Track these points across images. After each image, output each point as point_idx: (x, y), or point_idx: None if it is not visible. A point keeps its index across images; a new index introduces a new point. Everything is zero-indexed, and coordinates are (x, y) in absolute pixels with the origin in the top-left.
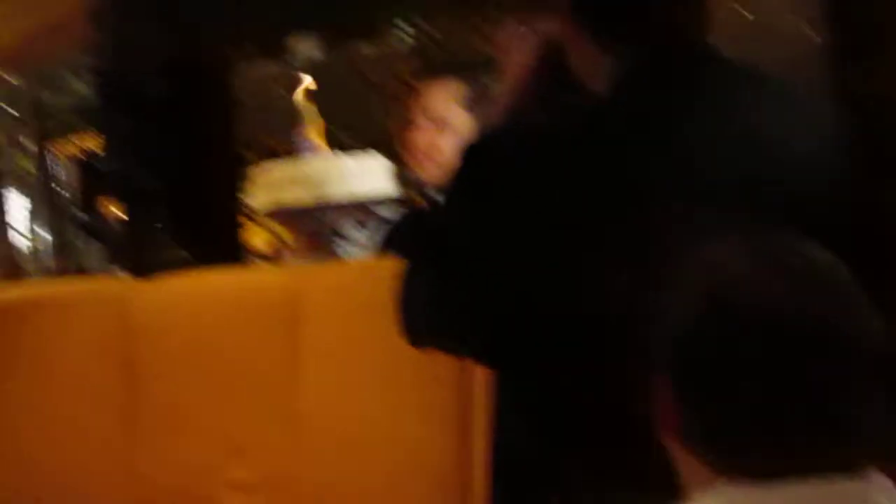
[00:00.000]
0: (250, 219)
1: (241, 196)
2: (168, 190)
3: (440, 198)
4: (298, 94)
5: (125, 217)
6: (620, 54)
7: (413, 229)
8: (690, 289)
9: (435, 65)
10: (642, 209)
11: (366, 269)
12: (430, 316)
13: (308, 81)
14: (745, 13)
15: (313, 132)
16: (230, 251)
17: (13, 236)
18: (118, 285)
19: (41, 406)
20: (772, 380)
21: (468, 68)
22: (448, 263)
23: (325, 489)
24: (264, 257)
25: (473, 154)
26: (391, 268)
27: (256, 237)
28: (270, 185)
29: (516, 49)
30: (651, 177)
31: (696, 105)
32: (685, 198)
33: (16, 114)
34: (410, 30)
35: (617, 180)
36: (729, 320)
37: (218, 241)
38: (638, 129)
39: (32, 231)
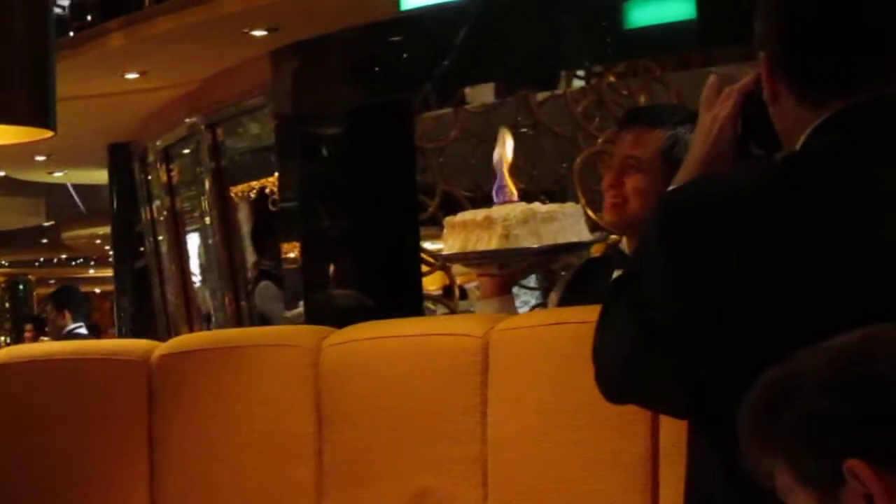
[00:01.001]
0: (429, 265)
1: (421, 242)
2: (347, 234)
3: (636, 252)
4: (503, 133)
5: (301, 260)
6: (823, 110)
7: (614, 284)
8: None
9: (612, 112)
10: (850, 261)
11: (555, 319)
12: (631, 373)
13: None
14: None
15: (509, 180)
16: (409, 296)
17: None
18: (308, 333)
19: (235, 450)
20: None
21: (663, 118)
22: (650, 322)
23: None
24: (439, 301)
25: (675, 209)
26: (580, 318)
27: (431, 281)
28: (460, 230)
29: (720, 103)
30: (860, 225)
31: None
32: None
33: (195, 156)
34: (585, 76)
35: (819, 229)
36: None
37: (396, 286)
38: (839, 178)
39: (208, 273)
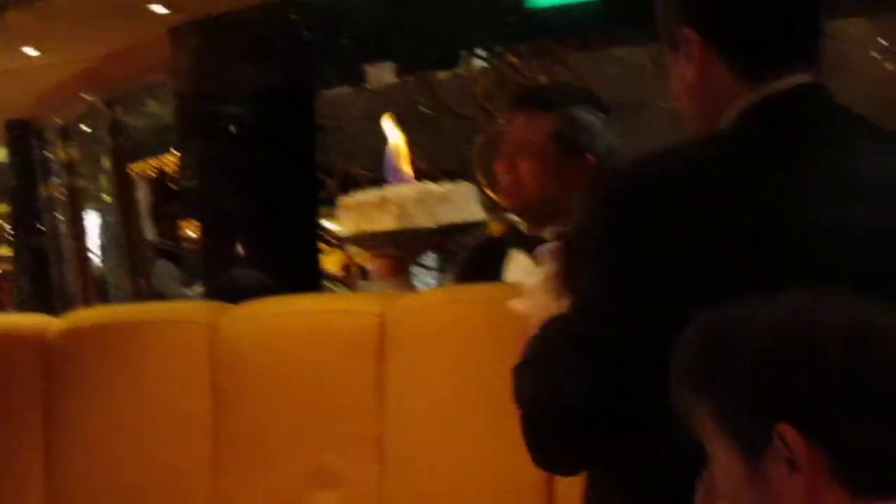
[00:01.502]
0: (328, 243)
1: (320, 221)
2: (247, 214)
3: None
4: (387, 120)
5: (202, 240)
6: (761, 87)
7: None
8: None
9: (513, 92)
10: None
11: (453, 297)
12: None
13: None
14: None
15: (401, 159)
16: (308, 275)
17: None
18: (206, 309)
19: (132, 426)
20: None
21: (553, 100)
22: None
23: None
24: (339, 281)
25: (620, 193)
26: (478, 296)
27: (331, 262)
28: (355, 211)
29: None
30: (793, 208)
31: (831, 141)
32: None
33: (94, 133)
34: (486, 56)
35: (755, 211)
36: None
37: (296, 265)
38: (776, 163)
39: (107, 251)
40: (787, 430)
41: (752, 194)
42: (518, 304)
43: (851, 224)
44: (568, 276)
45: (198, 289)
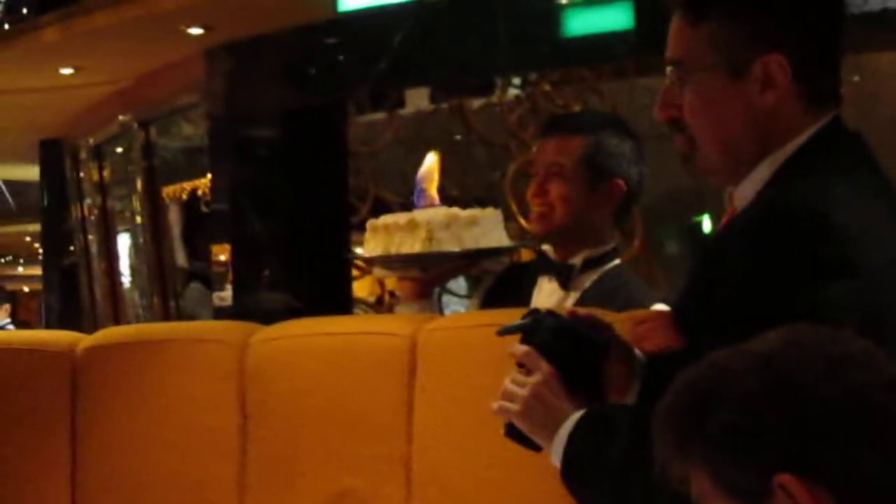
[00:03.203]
0: (357, 268)
1: (350, 245)
2: (278, 237)
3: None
4: (431, 154)
5: (232, 263)
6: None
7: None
8: None
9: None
10: None
11: (482, 321)
12: None
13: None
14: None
15: (431, 184)
16: (338, 299)
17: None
18: (235, 329)
19: (158, 444)
20: None
21: (583, 124)
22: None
23: None
24: (369, 305)
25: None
26: (507, 320)
27: (363, 287)
28: (382, 232)
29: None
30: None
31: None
32: None
33: (127, 154)
34: (520, 84)
35: None
36: None
37: (326, 289)
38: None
39: (137, 273)
40: (787, 480)
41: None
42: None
43: None
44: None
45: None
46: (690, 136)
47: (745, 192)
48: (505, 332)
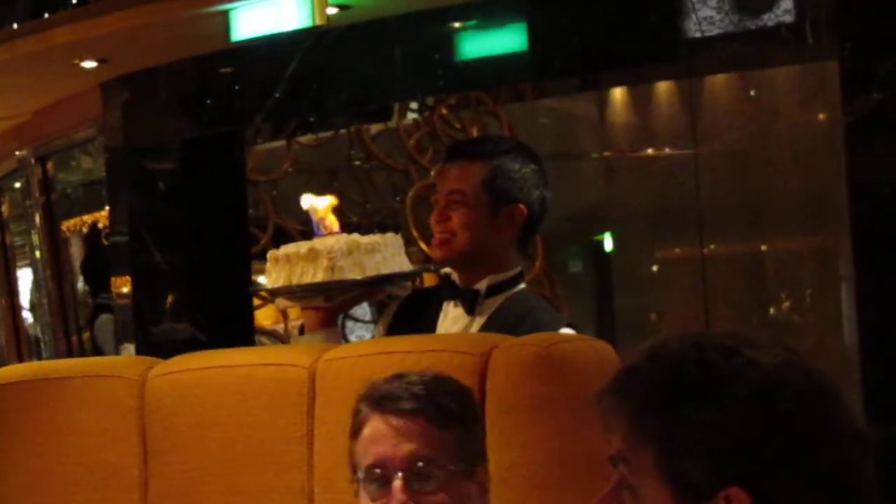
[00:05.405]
0: (260, 297)
1: (252, 275)
2: (179, 268)
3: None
4: (306, 196)
5: (132, 295)
6: None
7: None
8: None
9: (444, 145)
10: None
11: (382, 349)
12: None
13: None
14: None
15: (323, 217)
16: (241, 330)
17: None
18: (134, 364)
19: (59, 481)
20: None
21: (484, 150)
22: None
23: None
24: (272, 335)
25: None
26: (407, 347)
27: (266, 315)
28: (284, 263)
29: None
30: None
31: None
32: None
33: (25, 189)
34: (418, 108)
35: None
36: None
37: (228, 320)
38: None
39: (38, 308)
40: (737, 494)
41: None
42: None
43: None
44: None
45: (129, 346)
46: None
47: None
48: None
